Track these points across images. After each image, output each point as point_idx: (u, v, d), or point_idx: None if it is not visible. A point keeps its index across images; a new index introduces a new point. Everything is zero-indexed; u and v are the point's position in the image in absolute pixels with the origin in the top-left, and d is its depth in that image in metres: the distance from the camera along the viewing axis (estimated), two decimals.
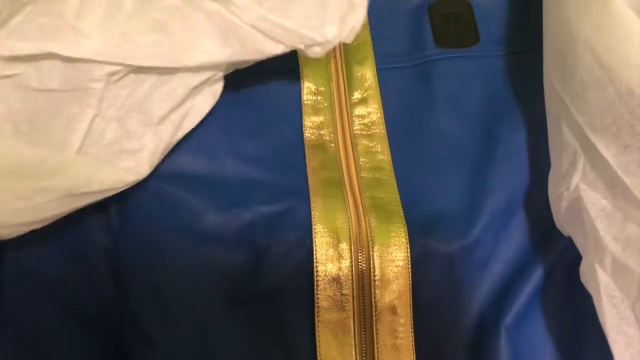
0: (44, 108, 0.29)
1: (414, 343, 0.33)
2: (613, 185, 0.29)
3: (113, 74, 0.29)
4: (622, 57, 0.29)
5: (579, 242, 0.32)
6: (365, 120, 0.40)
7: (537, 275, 0.35)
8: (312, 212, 0.35)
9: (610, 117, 0.29)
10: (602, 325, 0.28)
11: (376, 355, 0.33)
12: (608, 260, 0.28)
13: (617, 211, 0.28)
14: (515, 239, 0.36)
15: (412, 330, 0.34)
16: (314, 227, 0.34)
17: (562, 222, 0.33)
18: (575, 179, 0.31)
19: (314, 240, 0.34)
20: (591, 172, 0.30)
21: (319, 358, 0.33)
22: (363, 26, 0.41)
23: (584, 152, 0.31)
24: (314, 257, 0.34)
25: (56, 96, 0.29)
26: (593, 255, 0.29)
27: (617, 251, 0.27)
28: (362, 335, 0.33)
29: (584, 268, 0.30)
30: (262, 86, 0.40)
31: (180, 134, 0.34)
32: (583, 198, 0.30)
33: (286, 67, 0.40)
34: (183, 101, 0.33)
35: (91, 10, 0.29)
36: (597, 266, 0.28)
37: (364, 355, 0.33)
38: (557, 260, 0.35)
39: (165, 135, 0.33)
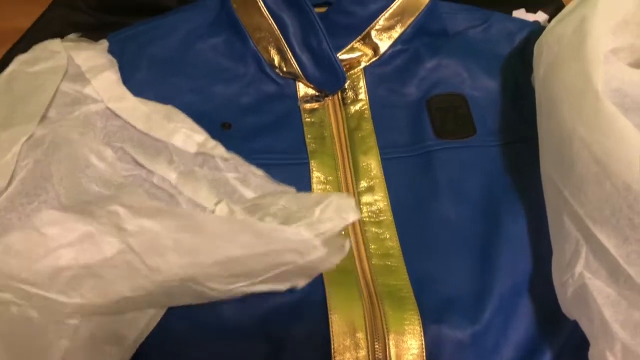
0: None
1: None
2: (616, 273, 0.31)
3: None
4: (617, 156, 0.31)
5: (585, 326, 0.33)
6: (373, 208, 0.41)
7: (546, 358, 0.36)
8: (328, 302, 0.36)
9: (609, 209, 0.31)
10: None
11: None
12: (618, 347, 0.29)
13: (622, 299, 0.30)
14: (523, 322, 0.37)
15: None
16: (330, 316, 0.35)
17: (569, 307, 0.34)
18: (579, 267, 0.33)
19: (330, 330, 0.35)
20: (594, 261, 0.32)
21: None
22: (366, 119, 0.45)
23: (585, 241, 0.33)
24: (332, 347, 0.34)
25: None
26: (603, 342, 0.30)
27: (627, 339, 0.29)
28: None
29: (593, 353, 0.32)
30: (274, 178, 0.41)
31: None
32: (588, 286, 0.31)
33: (295, 158, 0.42)
34: None
35: None
36: (607, 353, 0.30)
37: None
38: (565, 342, 0.36)
39: None
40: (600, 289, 0.31)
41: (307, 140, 0.44)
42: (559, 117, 0.35)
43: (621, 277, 0.30)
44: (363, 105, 0.45)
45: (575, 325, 0.35)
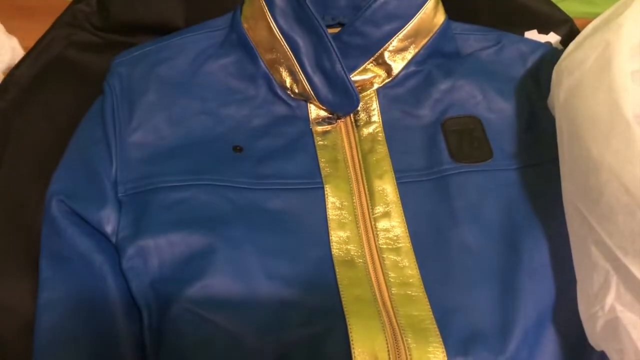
0: None
1: None
2: None
3: None
4: None
5: (613, 358, 0.33)
6: (390, 234, 0.40)
7: None
8: (350, 334, 0.35)
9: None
10: None
11: None
12: None
13: None
14: (548, 353, 0.36)
15: None
16: (353, 350, 0.34)
17: (597, 339, 0.33)
18: (610, 299, 0.32)
19: None
20: (626, 293, 0.31)
21: None
22: (380, 142, 0.44)
23: (616, 272, 0.32)
24: None
25: None
26: None
27: None
28: None
29: None
30: (289, 204, 0.40)
31: None
32: (621, 319, 0.31)
33: (309, 183, 0.41)
34: None
35: None
36: None
37: None
38: None
39: None
40: (634, 322, 0.30)
41: (321, 165, 0.43)
42: (584, 145, 0.34)
43: None
44: (376, 128, 0.45)
45: (602, 356, 0.34)
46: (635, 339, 0.30)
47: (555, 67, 0.41)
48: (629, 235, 0.31)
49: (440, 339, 0.35)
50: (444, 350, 0.35)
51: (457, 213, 0.41)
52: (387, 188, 0.42)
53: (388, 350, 0.34)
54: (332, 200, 0.41)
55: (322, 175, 0.42)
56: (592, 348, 0.35)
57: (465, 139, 0.44)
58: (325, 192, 0.41)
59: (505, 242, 0.40)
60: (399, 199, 0.42)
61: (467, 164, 0.43)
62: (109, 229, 0.38)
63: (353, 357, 0.34)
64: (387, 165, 0.43)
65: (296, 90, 0.45)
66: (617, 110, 0.32)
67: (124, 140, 0.41)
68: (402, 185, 0.42)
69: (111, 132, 0.42)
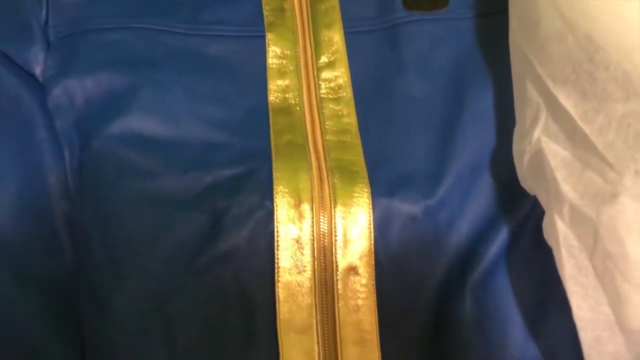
0: None
1: (376, 303, 0.33)
2: (573, 134, 0.28)
3: None
4: (582, 8, 0.28)
5: (542, 199, 0.31)
6: (332, 84, 0.39)
7: (503, 236, 0.34)
8: (274, 173, 0.34)
9: (570, 66, 0.28)
10: (561, 277, 0.27)
11: (337, 316, 0.33)
12: (566, 210, 0.27)
13: (576, 160, 0.28)
14: (481, 200, 0.35)
15: (375, 290, 0.33)
16: (275, 187, 0.34)
17: (526, 178, 0.32)
18: (537, 132, 0.30)
19: (274, 200, 0.33)
20: (553, 124, 0.30)
21: (278, 319, 0.32)
22: None
23: (546, 105, 0.30)
24: (275, 217, 0.33)
25: None
26: (554, 207, 0.28)
27: (576, 199, 0.27)
28: (323, 296, 0.33)
29: (545, 222, 0.30)
30: (226, 51, 0.39)
31: None
32: (544, 149, 0.29)
33: (251, 30, 0.40)
34: None
35: None
36: (556, 217, 0.28)
37: (324, 315, 0.33)
38: (524, 221, 0.35)
39: None
40: (555, 151, 0.29)
41: (265, 13, 0.40)
42: None
43: (577, 137, 0.28)
44: None
45: (534, 205, 0.33)
46: (554, 167, 0.28)
47: None
48: (559, 62, 0.29)
49: (367, 181, 0.34)
50: (369, 191, 0.34)
51: (405, 63, 0.39)
52: (334, 37, 0.40)
53: (311, 190, 0.34)
54: (274, 49, 0.39)
55: (265, 24, 0.40)
56: (526, 197, 0.34)
57: None
58: (267, 41, 0.40)
59: (451, 92, 0.38)
60: (345, 48, 0.40)
61: (421, 12, 0.40)
62: (37, 70, 0.37)
63: (274, 194, 0.33)
64: (336, 14, 0.41)
65: None
66: None
67: None
68: (351, 35, 0.40)
69: None
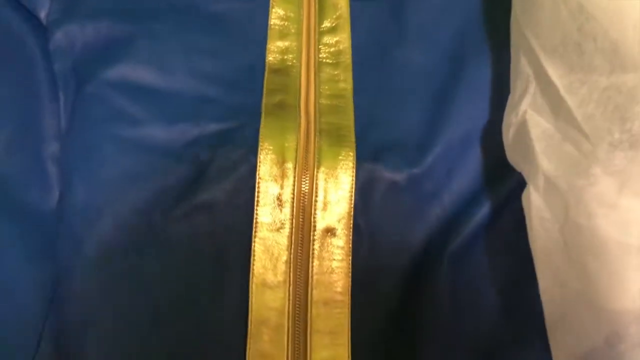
0: None
1: (351, 267, 0.33)
2: (558, 108, 0.28)
3: None
4: None
5: (525, 173, 0.31)
6: (332, 49, 0.39)
7: (485, 211, 0.34)
8: (261, 130, 0.34)
9: (559, 36, 0.28)
10: (532, 249, 0.27)
11: (310, 275, 0.33)
12: (541, 181, 0.27)
13: (556, 132, 0.27)
14: (468, 173, 0.35)
15: (351, 254, 0.33)
16: (260, 143, 0.34)
17: (511, 151, 0.31)
18: (524, 105, 0.30)
19: (258, 156, 0.33)
20: (540, 97, 0.29)
21: (252, 274, 0.33)
22: None
23: (535, 77, 0.30)
24: (257, 172, 0.33)
25: None
26: (531, 179, 0.28)
27: (550, 171, 0.26)
28: (299, 255, 0.33)
29: (524, 194, 0.29)
30: (229, 8, 0.39)
31: None
32: (528, 121, 0.29)
33: None
34: None
35: None
36: (531, 188, 0.27)
37: (297, 273, 0.33)
38: (508, 195, 0.34)
39: None
40: (538, 123, 0.28)
41: None
42: None
43: (561, 111, 0.27)
44: None
45: (520, 181, 0.32)
46: (534, 138, 0.28)
47: None
48: (550, 32, 0.28)
49: (354, 145, 0.34)
50: (354, 155, 0.34)
51: (407, 32, 0.38)
52: (339, 3, 0.40)
53: (297, 150, 0.34)
54: (277, 10, 0.39)
55: None
56: (512, 173, 0.33)
57: None
58: (271, 2, 0.39)
59: (450, 63, 0.37)
60: (349, 14, 0.39)
61: None
62: (42, 13, 0.38)
63: (259, 149, 0.34)
64: None
65: None
66: None
67: None
68: (356, 2, 0.40)
69: None
